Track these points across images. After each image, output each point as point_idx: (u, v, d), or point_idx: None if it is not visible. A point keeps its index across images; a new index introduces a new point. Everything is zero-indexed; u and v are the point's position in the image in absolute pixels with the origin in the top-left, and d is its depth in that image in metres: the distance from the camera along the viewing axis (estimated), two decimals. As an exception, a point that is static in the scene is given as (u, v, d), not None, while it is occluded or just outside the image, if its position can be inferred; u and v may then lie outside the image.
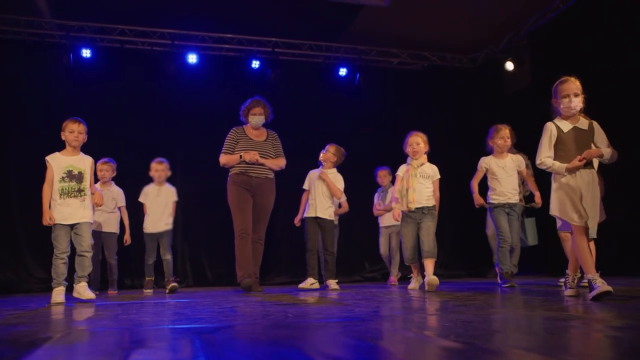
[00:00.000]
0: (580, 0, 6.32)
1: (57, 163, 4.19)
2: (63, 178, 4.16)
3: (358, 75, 7.69)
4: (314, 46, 7.69)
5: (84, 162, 4.28)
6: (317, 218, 5.27)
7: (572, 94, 3.31)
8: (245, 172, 5.09)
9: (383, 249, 6.44)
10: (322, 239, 5.33)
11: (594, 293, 2.97)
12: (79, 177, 4.22)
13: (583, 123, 3.35)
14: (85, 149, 4.38)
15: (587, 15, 6.23)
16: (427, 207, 4.65)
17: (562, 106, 3.35)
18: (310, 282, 5.14)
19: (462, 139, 7.54)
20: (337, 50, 7.80)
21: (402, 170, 4.78)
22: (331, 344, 1.78)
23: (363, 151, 7.03)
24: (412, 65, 8.23)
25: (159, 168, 5.63)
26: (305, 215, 5.34)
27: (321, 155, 5.42)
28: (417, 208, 4.61)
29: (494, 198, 4.90)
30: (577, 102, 3.30)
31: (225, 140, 5.22)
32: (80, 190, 4.21)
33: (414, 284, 4.87)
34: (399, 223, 6.41)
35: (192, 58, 7.21)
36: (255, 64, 7.40)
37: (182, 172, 5.91)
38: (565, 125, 3.34)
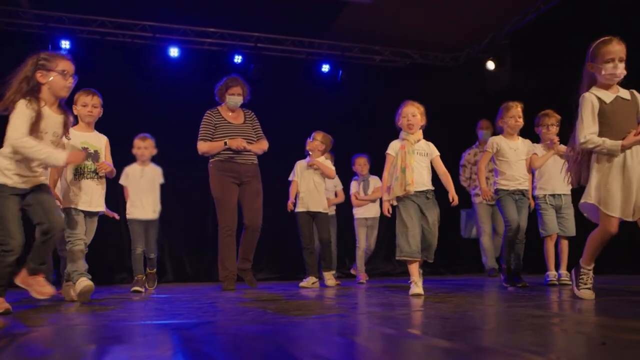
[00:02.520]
0: (561, 2, 6.40)
1: (71, 139, 3.62)
2: None
3: (340, 71, 7.69)
4: (296, 42, 7.67)
5: (99, 141, 3.85)
6: (309, 212, 5.00)
7: (617, 58, 2.81)
8: (232, 159, 4.74)
9: (364, 241, 6.00)
10: (317, 230, 5.01)
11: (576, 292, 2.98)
12: (95, 157, 3.77)
13: (624, 92, 2.89)
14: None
15: (567, 17, 6.31)
16: (430, 190, 3.79)
17: (604, 72, 2.83)
18: (311, 281, 4.91)
19: (445, 137, 7.57)
20: (320, 47, 7.79)
21: (394, 147, 3.91)
22: (310, 340, 1.78)
23: (344, 147, 7.02)
24: (394, 63, 8.26)
25: (142, 145, 4.99)
26: (297, 210, 5.05)
27: (308, 144, 5.15)
28: (418, 192, 3.72)
29: (503, 184, 4.25)
30: (622, 69, 2.83)
31: (201, 126, 4.84)
32: (96, 172, 3.77)
33: (418, 288, 3.61)
34: (377, 216, 5.97)
35: (174, 52, 7.13)
36: (238, 58, 7.36)
37: (161, 165, 5.84)
38: (607, 96, 2.85)
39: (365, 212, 5.97)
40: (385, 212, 3.82)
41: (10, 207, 2.85)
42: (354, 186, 6.08)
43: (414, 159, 3.78)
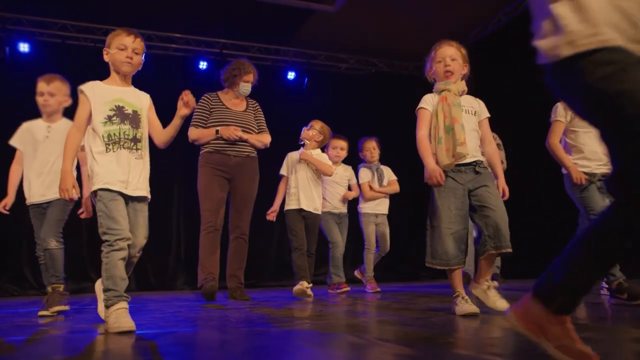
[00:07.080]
0: (521, 14, 6.59)
1: (99, 94, 2.58)
2: (110, 118, 2.53)
3: (306, 79, 7.72)
4: (262, 49, 7.66)
5: (139, 99, 2.70)
6: (301, 210, 4.38)
7: None
8: (222, 150, 4.13)
9: (374, 240, 5.05)
10: (306, 234, 4.39)
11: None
12: (135, 120, 2.59)
13: None
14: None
15: (526, 28, 6.50)
16: (480, 162, 2.79)
17: None
18: (305, 286, 4.25)
19: (412, 145, 7.68)
20: (286, 54, 7.80)
21: (430, 101, 2.94)
22: (271, 349, 1.78)
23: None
24: (360, 71, 8.33)
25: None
26: (287, 207, 4.43)
27: (303, 132, 4.57)
28: (464, 165, 2.74)
29: (583, 165, 3.20)
30: None
31: (195, 110, 4.08)
32: (136, 141, 2.57)
33: (468, 305, 2.59)
34: (387, 213, 5.05)
35: (138, 56, 7.03)
36: (203, 65, 7.30)
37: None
38: None
39: (376, 207, 5.09)
40: (439, 180, 2.69)
41: None
42: (365, 174, 5.09)
43: (461, 114, 2.78)
